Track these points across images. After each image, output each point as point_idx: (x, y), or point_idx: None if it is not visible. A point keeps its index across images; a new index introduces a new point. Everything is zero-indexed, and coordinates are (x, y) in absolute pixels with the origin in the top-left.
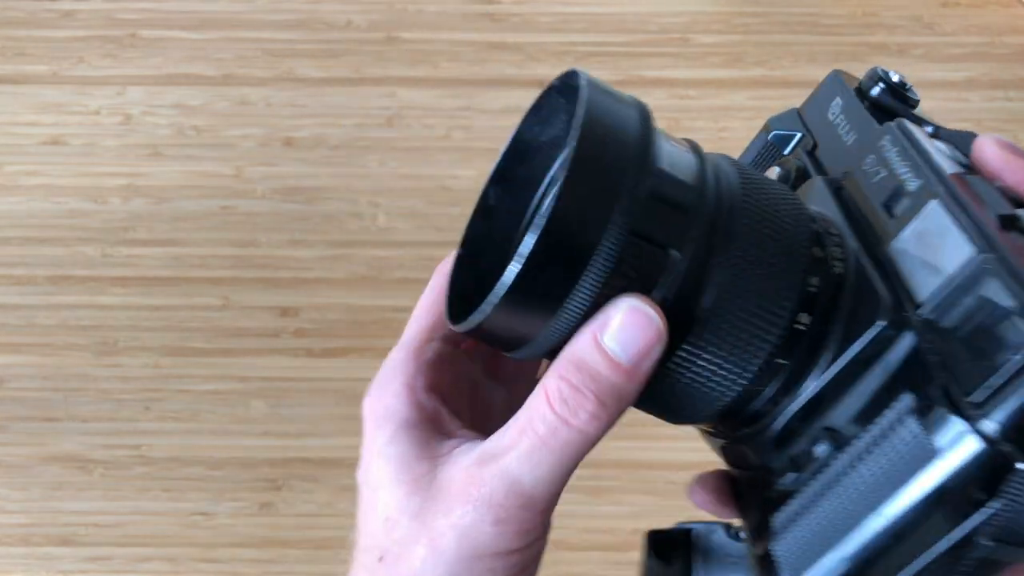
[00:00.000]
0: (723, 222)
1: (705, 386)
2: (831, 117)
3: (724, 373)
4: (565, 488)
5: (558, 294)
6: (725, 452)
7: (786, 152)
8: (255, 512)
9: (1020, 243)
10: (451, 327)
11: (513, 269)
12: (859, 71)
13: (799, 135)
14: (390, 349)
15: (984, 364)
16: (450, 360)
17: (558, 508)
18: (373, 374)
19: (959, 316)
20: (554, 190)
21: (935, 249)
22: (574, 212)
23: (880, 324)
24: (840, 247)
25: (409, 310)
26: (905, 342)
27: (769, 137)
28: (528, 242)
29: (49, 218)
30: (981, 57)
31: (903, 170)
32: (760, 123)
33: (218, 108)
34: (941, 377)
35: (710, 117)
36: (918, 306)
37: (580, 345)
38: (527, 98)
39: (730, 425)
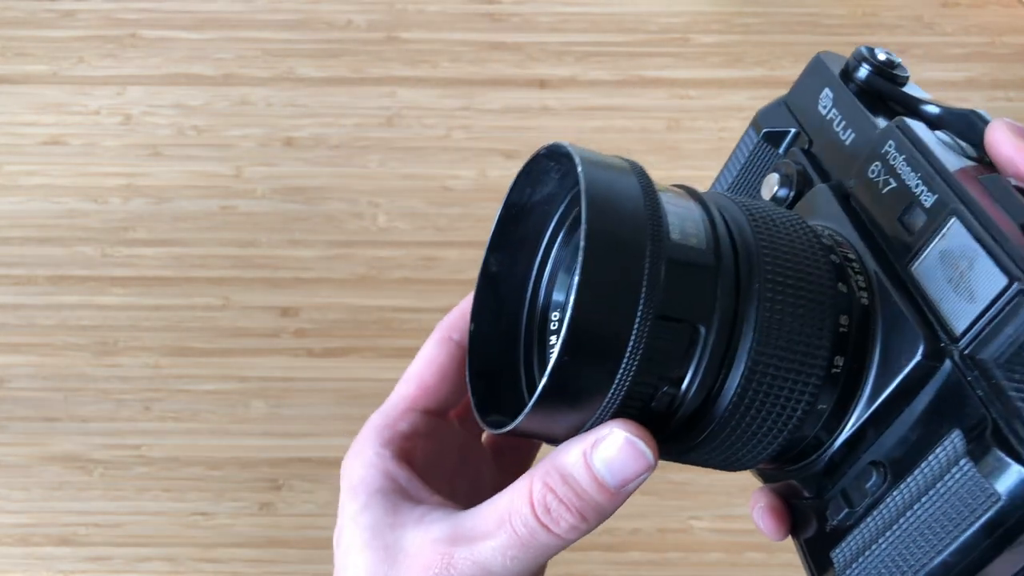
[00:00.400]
0: (745, 282)
1: (748, 443)
2: (823, 111)
3: (766, 429)
4: None
5: (592, 393)
6: (776, 487)
7: (781, 151)
8: (255, 512)
9: None
10: (481, 425)
11: (543, 382)
12: None
13: (793, 131)
14: (390, 349)
15: None
16: (429, 432)
17: None
18: (373, 374)
19: (999, 348)
20: (573, 287)
21: (963, 273)
22: (597, 309)
23: (918, 358)
24: (862, 274)
25: (409, 310)
26: (945, 374)
27: (760, 136)
28: (556, 350)
29: (49, 218)
30: (981, 57)
31: (915, 182)
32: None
33: (218, 108)
34: (990, 414)
35: (710, 117)
36: (955, 339)
37: (570, 459)
38: (527, 98)
39: (777, 465)
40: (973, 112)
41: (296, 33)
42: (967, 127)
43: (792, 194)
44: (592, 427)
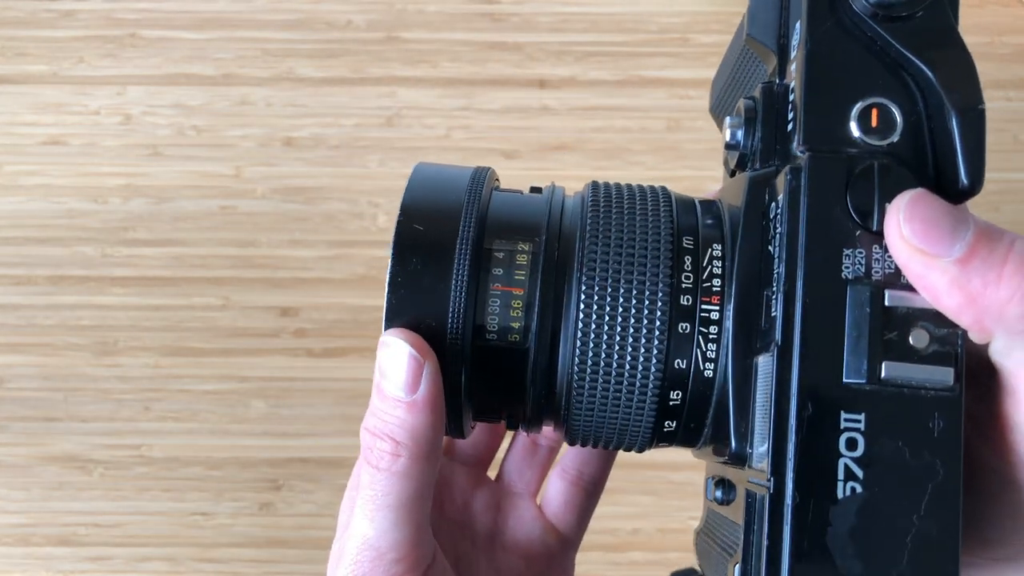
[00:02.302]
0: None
1: (612, 403)
2: (792, 48)
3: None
4: None
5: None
6: None
7: (762, 74)
8: (255, 512)
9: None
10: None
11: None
12: None
13: (772, 59)
14: None
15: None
16: None
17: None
18: (373, 375)
19: (751, 501)
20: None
21: (766, 410)
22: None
23: (726, 456)
24: (716, 344)
25: None
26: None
27: (743, 41)
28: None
29: (49, 218)
30: (981, 57)
31: (784, 255)
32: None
33: (218, 108)
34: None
35: (710, 117)
36: (748, 467)
37: (372, 396)
38: (527, 98)
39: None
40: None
41: (296, 33)
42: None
43: (743, 147)
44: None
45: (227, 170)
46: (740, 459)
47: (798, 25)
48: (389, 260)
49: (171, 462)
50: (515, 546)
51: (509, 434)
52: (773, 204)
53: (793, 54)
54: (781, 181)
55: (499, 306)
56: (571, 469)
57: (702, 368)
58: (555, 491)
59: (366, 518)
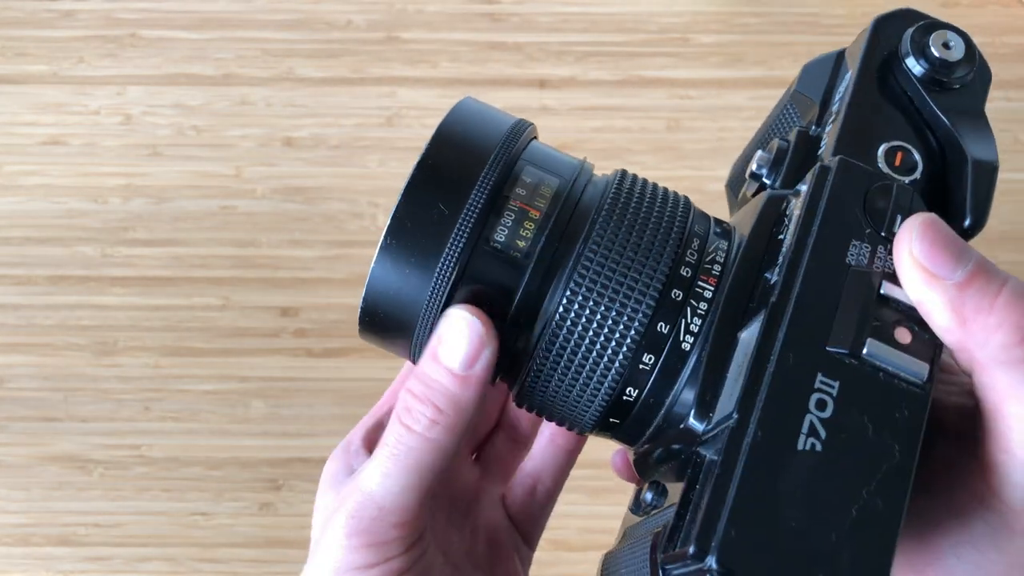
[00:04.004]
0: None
1: (570, 390)
2: (837, 96)
3: (578, 387)
4: (564, 488)
5: (413, 296)
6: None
7: (801, 121)
8: (255, 512)
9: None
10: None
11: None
12: None
13: (812, 107)
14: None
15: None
16: None
17: (558, 508)
18: (373, 374)
19: (715, 455)
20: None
21: (740, 370)
22: (421, 207)
23: (682, 425)
24: (702, 319)
25: None
26: (694, 448)
27: (791, 92)
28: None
29: (49, 218)
30: None
31: (787, 246)
32: (760, 123)
33: (218, 108)
34: (682, 510)
35: (710, 117)
36: (708, 427)
37: (422, 360)
38: (527, 98)
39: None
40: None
41: (296, 33)
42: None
43: (764, 179)
44: (423, 322)
45: (227, 170)
46: (690, 435)
47: (847, 77)
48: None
49: (171, 462)
50: (484, 530)
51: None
52: (785, 212)
53: (835, 105)
54: (798, 200)
55: (509, 230)
56: (528, 478)
57: (681, 339)
58: (515, 494)
59: (380, 472)
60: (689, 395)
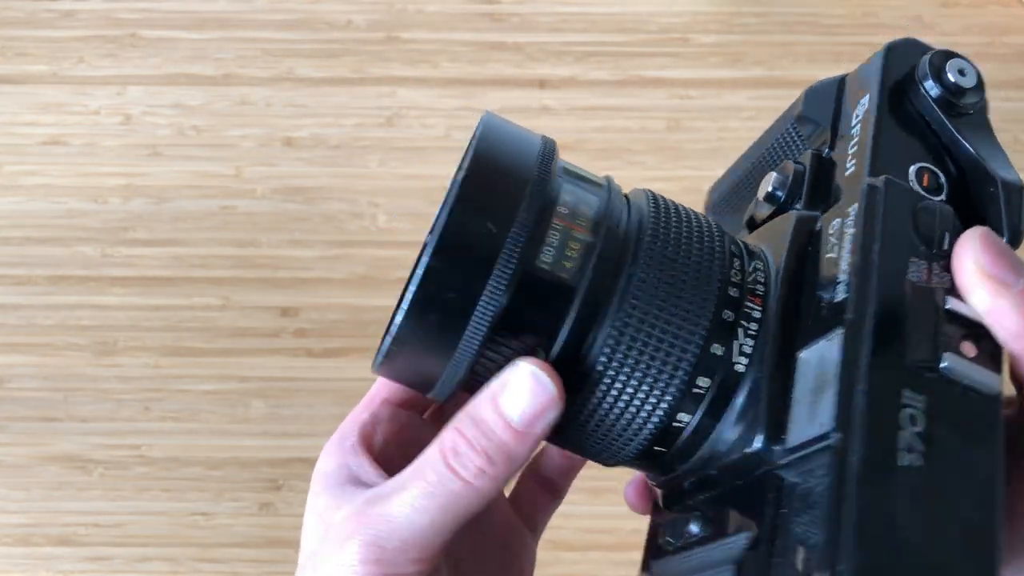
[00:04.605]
0: (629, 258)
1: (611, 432)
2: (853, 120)
3: (618, 433)
4: None
5: (454, 323)
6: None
7: (806, 144)
8: (255, 512)
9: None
10: (373, 372)
11: (407, 296)
12: None
13: (822, 132)
14: None
15: (790, 545)
16: (393, 419)
17: (558, 508)
18: (373, 374)
19: (800, 481)
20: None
21: (817, 391)
22: (467, 225)
23: (747, 451)
24: (755, 339)
25: None
26: (764, 473)
27: (794, 117)
28: (419, 269)
29: (49, 218)
30: (981, 57)
31: (846, 264)
32: (760, 123)
33: (218, 108)
34: (771, 538)
35: (710, 117)
36: (787, 449)
37: (478, 402)
38: (527, 98)
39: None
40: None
41: (296, 33)
42: (989, 200)
43: (782, 200)
44: (455, 369)
45: (227, 170)
46: (754, 459)
47: (863, 101)
48: (453, 188)
49: (171, 462)
50: (494, 530)
51: None
52: (816, 232)
53: (854, 129)
54: (832, 216)
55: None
56: (539, 470)
57: (734, 360)
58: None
59: (411, 506)
60: (743, 420)
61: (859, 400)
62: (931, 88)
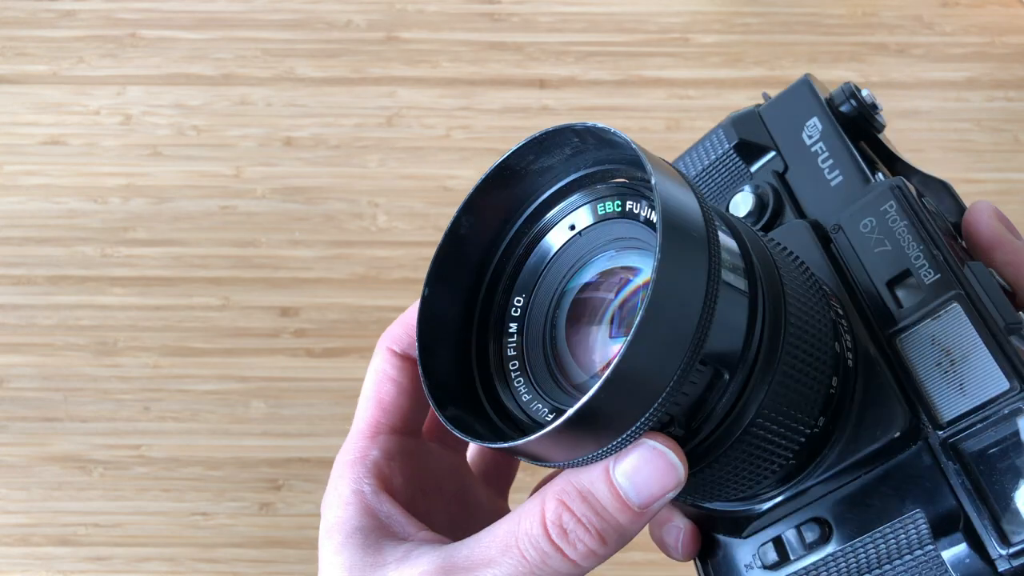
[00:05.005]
0: (769, 345)
1: (726, 487)
2: (807, 140)
3: (746, 475)
4: None
5: (618, 427)
6: (691, 512)
7: (753, 169)
8: (255, 512)
9: (1021, 349)
10: (452, 430)
11: (576, 405)
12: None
13: (771, 154)
14: None
15: (1017, 512)
16: (405, 453)
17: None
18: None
19: (984, 446)
20: (624, 339)
21: (955, 362)
22: (645, 355)
23: (896, 433)
24: (849, 333)
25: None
26: (917, 454)
27: (732, 144)
28: (594, 386)
29: (49, 218)
30: (981, 57)
31: (915, 253)
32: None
33: (218, 108)
34: (962, 507)
35: (710, 117)
36: (939, 425)
37: (591, 475)
38: (527, 98)
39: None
40: (944, 183)
41: (296, 33)
42: (940, 198)
43: (766, 218)
44: (597, 457)
45: (227, 170)
46: (898, 444)
47: (813, 122)
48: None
49: (171, 462)
50: (480, 505)
51: None
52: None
53: (814, 147)
54: (856, 217)
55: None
56: None
57: (846, 356)
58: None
59: (511, 570)
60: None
61: (1016, 359)
62: (849, 110)
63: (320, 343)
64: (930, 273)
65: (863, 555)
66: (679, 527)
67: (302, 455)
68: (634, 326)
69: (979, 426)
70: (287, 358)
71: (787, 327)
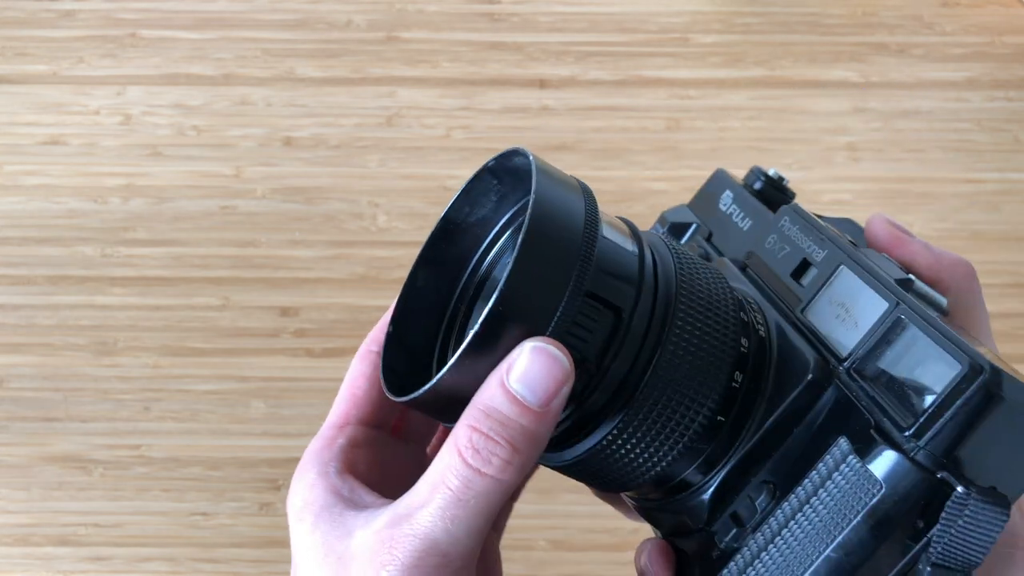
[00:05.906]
0: (663, 297)
1: (644, 453)
2: (723, 208)
3: (663, 438)
4: (565, 488)
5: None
6: (658, 521)
7: (683, 241)
8: (255, 512)
9: (917, 301)
10: (393, 399)
11: (473, 332)
12: (859, 71)
13: (695, 225)
14: None
15: (912, 400)
16: (371, 443)
17: (558, 508)
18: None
19: (883, 363)
20: (507, 262)
21: (848, 309)
22: (529, 279)
23: (808, 378)
24: (759, 312)
25: None
26: (832, 392)
27: (665, 229)
28: (485, 308)
29: (49, 218)
30: (981, 57)
31: (807, 244)
32: (760, 123)
33: (218, 108)
34: (873, 416)
35: (710, 117)
36: (841, 359)
37: (488, 392)
38: (527, 98)
39: (661, 494)
40: (848, 220)
41: (296, 33)
42: (846, 229)
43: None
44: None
45: (227, 170)
46: (823, 378)
47: (726, 194)
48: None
49: (171, 462)
50: None
51: None
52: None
53: (729, 210)
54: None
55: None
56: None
57: (757, 328)
58: None
59: (444, 518)
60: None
61: (894, 288)
62: (757, 183)
63: (320, 343)
64: (819, 253)
65: (803, 493)
66: (648, 550)
67: (302, 455)
68: (517, 246)
69: (872, 345)
70: (287, 358)
71: (680, 287)
